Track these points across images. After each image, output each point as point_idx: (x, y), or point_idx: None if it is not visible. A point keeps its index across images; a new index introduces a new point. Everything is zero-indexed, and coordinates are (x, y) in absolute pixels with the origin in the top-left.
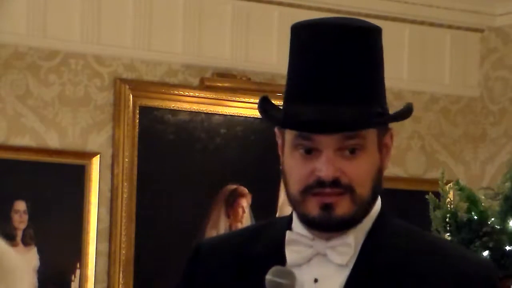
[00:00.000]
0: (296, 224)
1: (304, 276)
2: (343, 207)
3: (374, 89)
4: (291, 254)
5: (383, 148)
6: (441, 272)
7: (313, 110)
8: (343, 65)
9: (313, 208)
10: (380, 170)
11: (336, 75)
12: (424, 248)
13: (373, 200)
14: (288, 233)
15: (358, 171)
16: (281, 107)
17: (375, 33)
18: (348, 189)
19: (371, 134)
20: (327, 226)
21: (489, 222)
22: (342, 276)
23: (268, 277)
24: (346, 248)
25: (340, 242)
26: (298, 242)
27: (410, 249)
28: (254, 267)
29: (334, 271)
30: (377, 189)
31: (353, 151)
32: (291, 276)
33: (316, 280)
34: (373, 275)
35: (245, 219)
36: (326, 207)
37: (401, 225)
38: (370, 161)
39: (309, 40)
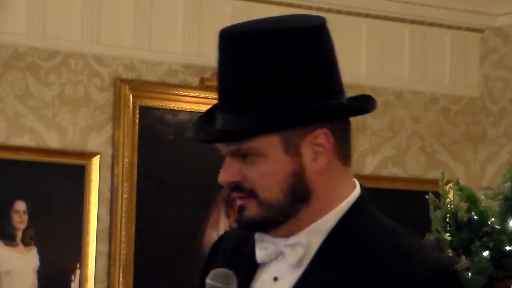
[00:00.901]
0: None
1: (267, 274)
2: (250, 210)
3: (261, 95)
4: (259, 252)
5: (302, 149)
6: (389, 277)
7: (215, 119)
8: (230, 73)
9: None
10: (297, 173)
11: (226, 84)
12: (382, 252)
13: (294, 204)
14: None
15: (257, 176)
16: None
17: (267, 36)
18: (250, 193)
19: (267, 139)
20: (240, 227)
21: (489, 222)
22: (295, 275)
23: (207, 280)
24: (299, 247)
25: (294, 240)
26: (264, 240)
27: (366, 252)
28: (241, 266)
29: (290, 270)
30: (296, 192)
31: (245, 156)
32: (230, 279)
33: (276, 279)
34: (323, 277)
35: None
36: (239, 209)
37: (370, 225)
38: (272, 165)
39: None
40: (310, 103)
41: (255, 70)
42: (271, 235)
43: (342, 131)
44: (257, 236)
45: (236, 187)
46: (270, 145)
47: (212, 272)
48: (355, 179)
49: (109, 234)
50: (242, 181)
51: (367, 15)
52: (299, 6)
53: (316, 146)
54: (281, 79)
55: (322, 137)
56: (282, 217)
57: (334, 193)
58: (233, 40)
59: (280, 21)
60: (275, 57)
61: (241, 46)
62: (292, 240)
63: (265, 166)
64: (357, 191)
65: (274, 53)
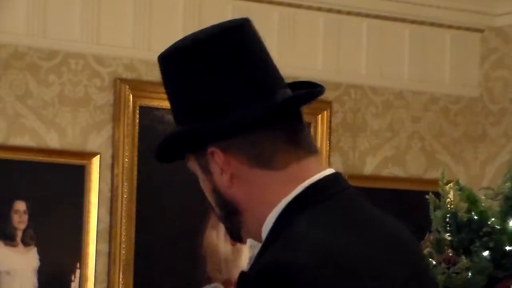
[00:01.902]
0: None
1: None
2: None
3: (177, 112)
4: None
5: (210, 167)
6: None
7: None
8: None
9: None
10: (215, 190)
11: None
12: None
13: (230, 217)
14: None
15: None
16: None
17: (175, 57)
18: None
19: (191, 159)
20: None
21: (489, 222)
22: None
23: None
24: (249, 250)
25: (249, 244)
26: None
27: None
28: None
29: None
30: (224, 207)
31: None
32: None
33: None
34: None
35: None
36: None
37: (281, 228)
38: (201, 183)
39: None
40: (206, 121)
41: (167, 89)
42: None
43: (251, 139)
44: None
45: None
46: (193, 164)
47: None
48: (308, 176)
49: (109, 234)
50: None
51: (367, 15)
52: (299, 6)
53: (216, 163)
54: (182, 97)
55: (215, 155)
56: (232, 228)
57: (267, 199)
58: (159, 61)
59: (189, 37)
60: (179, 75)
61: (161, 67)
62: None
63: (200, 182)
64: (293, 194)
65: (178, 71)
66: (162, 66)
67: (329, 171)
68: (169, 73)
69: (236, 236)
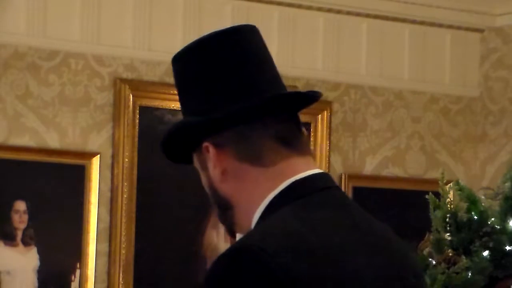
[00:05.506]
0: None
1: None
2: None
3: (181, 107)
4: None
5: (207, 163)
6: None
7: None
8: None
9: None
10: (211, 186)
11: None
12: None
13: (225, 211)
14: None
15: None
16: None
17: (181, 58)
18: None
19: (194, 156)
20: None
21: (489, 222)
22: None
23: None
24: None
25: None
26: None
27: None
28: None
29: None
30: (218, 202)
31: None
32: None
33: None
34: None
35: None
36: None
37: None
38: (202, 180)
39: None
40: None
41: (176, 86)
42: None
43: (241, 135)
44: None
45: None
46: (196, 162)
47: None
48: (292, 175)
49: (109, 234)
50: None
51: (367, 15)
52: (299, 6)
53: (210, 158)
54: (181, 93)
55: (209, 149)
56: (227, 224)
57: (255, 194)
58: (171, 61)
59: (199, 38)
60: (183, 73)
61: (172, 66)
62: None
63: (202, 181)
64: (278, 189)
65: (183, 70)
66: (172, 65)
67: (317, 170)
68: (176, 72)
69: (230, 231)
